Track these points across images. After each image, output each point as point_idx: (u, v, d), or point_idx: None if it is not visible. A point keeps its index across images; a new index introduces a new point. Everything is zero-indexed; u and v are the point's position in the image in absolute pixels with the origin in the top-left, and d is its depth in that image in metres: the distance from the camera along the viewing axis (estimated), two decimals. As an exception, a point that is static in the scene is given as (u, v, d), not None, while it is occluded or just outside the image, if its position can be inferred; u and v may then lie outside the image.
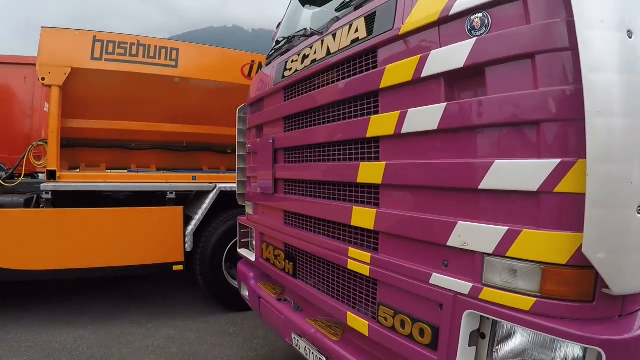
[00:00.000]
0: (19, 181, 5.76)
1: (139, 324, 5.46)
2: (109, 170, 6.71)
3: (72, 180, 5.56)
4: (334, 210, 2.41)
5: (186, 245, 5.55)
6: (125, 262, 5.45)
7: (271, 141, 3.13)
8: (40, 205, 5.57)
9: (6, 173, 6.00)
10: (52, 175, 5.42)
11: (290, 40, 3.34)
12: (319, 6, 3.77)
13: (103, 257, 5.38)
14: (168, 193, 5.64)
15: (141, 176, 5.98)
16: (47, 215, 5.27)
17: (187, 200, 6.12)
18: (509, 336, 1.67)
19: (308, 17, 3.86)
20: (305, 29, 3.20)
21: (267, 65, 3.67)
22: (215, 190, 5.73)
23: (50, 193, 5.31)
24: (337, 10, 2.72)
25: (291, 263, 2.97)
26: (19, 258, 5.13)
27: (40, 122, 9.29)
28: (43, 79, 5.46)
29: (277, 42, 3.57)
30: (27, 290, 6.65)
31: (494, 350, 1.70)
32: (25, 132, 9.25)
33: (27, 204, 5.46)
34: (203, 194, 5.84)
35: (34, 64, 9.13)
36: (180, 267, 5.60)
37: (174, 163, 6.92)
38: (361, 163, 2.15)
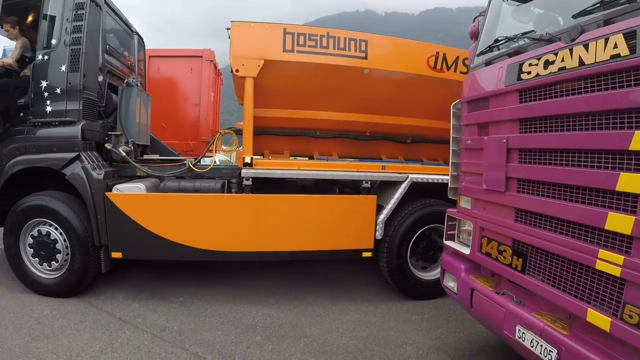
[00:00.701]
0: (210, 167, 6.74)
1: (323, 306, 6.20)
2: (293, 158, 7.61)
3: (267, 167, 6.40)
4: (583, 213, 2.85)
5: (377, 233, 6.23)
6: (317, 247, 6.25)
7: (504, 141, 3.64)
8: (232, 190, 6.53)
9: (195, 159, 7.00)
10: (247, 163, 6.27)
11: (510, 40, 3.84)
12: (523, 2, 4.22)
13: (298, 241, 6.20)
14: (363, 182, 6.36)
15: (332, 164, 6.72)
16: (251, 200, 6.17)
17: (371, 189, 6.71)
18: None
19: (509, 11, 4.30)
20: (533, 31, 3.71)
21: (486, 64, 4.12)
22: (407, 181, 6.34)
23: (250, 179, 6.22)
24: (574, 17, 3.16)
25: (520, 259, 3.47)
26: (218, 240, 6.10)
27: (208, 110, 10.76)
28: (237, 70, 6.22)
29: (497, 41, 4.04)
30: (206, 269, 7.75)
31: None
32: (194, 120, 10.76)
33: (222, 190, 6.38)
34: (392, 184, 6.47)
35: (200, 56, 10.72)
36: (369, 254, 6.30)
37: (353, 152, 7.65)
38: (621, 173, 2.58)
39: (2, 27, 6.86)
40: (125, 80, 7.05)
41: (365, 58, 6.51)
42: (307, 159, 7.74)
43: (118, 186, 6.13)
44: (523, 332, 3.34)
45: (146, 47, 9.41)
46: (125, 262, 6.37)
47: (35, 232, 6.16)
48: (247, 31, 6.38)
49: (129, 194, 6.07)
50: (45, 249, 6.14)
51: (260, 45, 6.34)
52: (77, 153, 6.03)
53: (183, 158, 7.43)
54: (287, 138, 7.57)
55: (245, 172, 6.24)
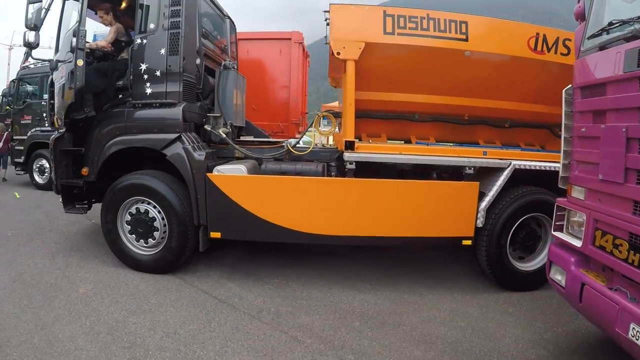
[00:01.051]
0: (309, 149, 6.91)
1: (420, 294, 6.26)
2: (390, 141, 7.65)
3: (370, 151, 6.47)
4: None
5: (478, 221, 6.17)
6: (417, 234, 6.26)
7: (624, 130, 3.52)
8: (332, 174, 6.67)
9: (289, 141, 7.16)
10: (349, 146, 6.37)
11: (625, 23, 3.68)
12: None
13: (399, 227, 6.24)
14: (466, 168, 6.31)
15: (433, 149, 6.70)
16: (354, 184, 6.30)
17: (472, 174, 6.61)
18: None
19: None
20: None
21: (599, 48, 4.01)
22: (510, 167, 6.22)
23: (354, 163, 6.32)
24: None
25: (638, 254, 3.36)
26: (318, 224, 6.25)
27: (297, 92, 11.06)
28: (338, 53, 6.31)
29: (611, 24, 3.89)
30: (297, 252, 7.92)
31: None
32: (283, 102, 11.15)
33: (322, 173, 6.53)
34: (493, 170, 6.37)
35: (288, 39, 11.06)
36: (469, 242, 6.24)
37: (450, 136, 7.61)
38: None
39: (96, 14, 7.39)
40: (223, 63, 7.38)
41: (466, 40, 6.43)
42: (402, 142, 7.75)
43: (219, 167, 6.44)
44: (638, 331, 3.27)
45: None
46: (217, 242, 6.63)
47: (133, 210, 6.60)
48: (346, 13, 6.47)
49: (230, 175, 6.30)
50: (142, 226, 6.56)
51: (360, 28, 6.41)
52: (178, 134, 6.37)
53: (281, 140, 7.66)
54: (384, 121, 7.58)
55: (348, 155, 6.33)
